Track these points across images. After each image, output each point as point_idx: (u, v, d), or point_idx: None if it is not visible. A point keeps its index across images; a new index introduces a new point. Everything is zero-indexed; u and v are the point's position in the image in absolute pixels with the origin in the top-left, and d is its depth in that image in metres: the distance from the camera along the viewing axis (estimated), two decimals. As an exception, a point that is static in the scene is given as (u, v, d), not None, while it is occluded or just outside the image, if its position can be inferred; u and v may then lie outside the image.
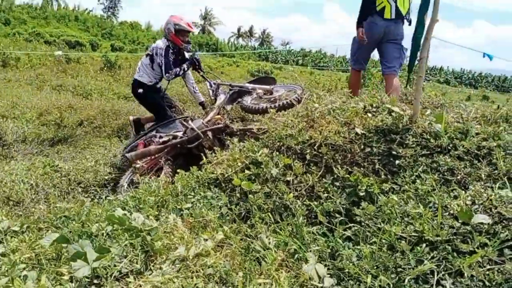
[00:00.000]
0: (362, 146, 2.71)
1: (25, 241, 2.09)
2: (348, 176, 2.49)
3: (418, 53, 2.79)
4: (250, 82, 5.10)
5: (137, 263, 1.74)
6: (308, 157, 2.72)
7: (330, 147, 2.73)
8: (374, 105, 3.01)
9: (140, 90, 5.68)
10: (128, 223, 2.06)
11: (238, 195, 2.65)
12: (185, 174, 3.04)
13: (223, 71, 23.16)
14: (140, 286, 1.65)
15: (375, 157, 2.66)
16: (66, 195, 4.45)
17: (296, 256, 2.06)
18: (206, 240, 1.95)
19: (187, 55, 5.74)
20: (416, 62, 2.83)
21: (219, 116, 4.62)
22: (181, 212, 2.49)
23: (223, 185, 2.80)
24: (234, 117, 4.68)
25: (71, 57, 17.51)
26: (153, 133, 5.19)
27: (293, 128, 2.92)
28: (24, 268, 1.69)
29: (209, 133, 4.36)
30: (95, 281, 1.62)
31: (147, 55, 5.67)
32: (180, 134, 4.70)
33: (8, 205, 4.12)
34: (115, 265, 1.68)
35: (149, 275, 1.68)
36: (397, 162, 2.60)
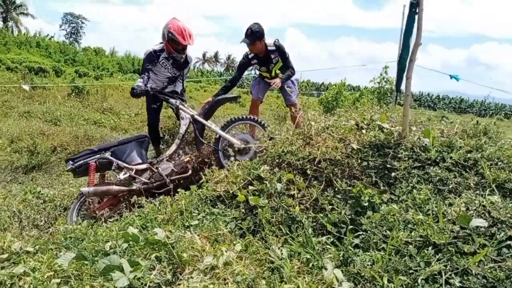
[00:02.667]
0: (359, 160, 2.88)
1: (42, 261, 2.09)
2: (350, 188, 2.64)
3: (404, 74, 3.02)
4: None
5: (166, 274, 1.79)
6: (309, 172, 2.85)
7: (329, 162, 2.88)
8: (366, 122, 3.20)
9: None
10: (143, 238, 2.12)
11: (243, 210, 2.75)
12: (186, 193, 3.11)
13: (191, 96, 23.30)
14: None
15: (371, 170, 2.83)
16: (53, 220, 4.36)
17: (310, 264, 2.16)
18: (227, 251, 2.03)
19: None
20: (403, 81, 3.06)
21: (188, 158, 4.44)
22: (189, 228, 2.55)
23: (227, 201, 2.89)
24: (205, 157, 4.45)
25: (36, 85, 17.16)
26: (107, 155, 4.38)
27: (292, 145, 3.06)
28: (58, 284, 1.71)
29: (177, 181, 4.30)
30: (130, 293, 1.66)
31: None
32: (144, 177, 4.30)
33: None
34: (147, 277, 1.73)
35: (178, 284, 1.74)
36: (392, 174, 2.78)
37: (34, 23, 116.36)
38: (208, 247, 2.06)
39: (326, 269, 1.99)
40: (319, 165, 2.87)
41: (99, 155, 4.40)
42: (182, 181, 4.37)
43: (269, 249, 2.29)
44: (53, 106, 13.71)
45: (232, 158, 3.86)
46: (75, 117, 12.70)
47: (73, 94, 16.53)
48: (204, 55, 77.43)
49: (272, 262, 2.17)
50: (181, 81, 5.42)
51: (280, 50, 5.37)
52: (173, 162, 4.46)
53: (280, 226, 2.50)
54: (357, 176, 2.82)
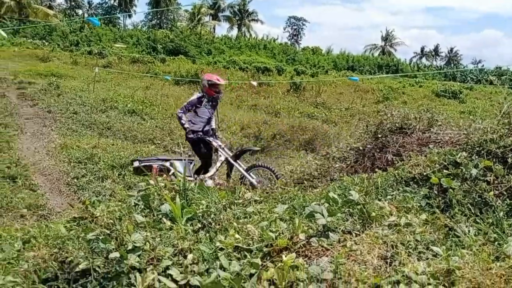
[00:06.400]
0: None
1: (265, 207, 2.79)
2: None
3: None
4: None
5: (356, 224, 2.22)
6: (510, 160, 2.82)
7: (535, 152, 2.78)
8: None
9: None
10: (342, 200, 2.59)
11: (435, 192, 2.93)
12: (383, 173, 3.44)
13: (405, 91, 22.65)
14: (355, 241, 2.12)
15: None
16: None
17: (496, 243, 2.25)
18: (411, 218, 2.31)
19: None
20: None
21: (222, 181, 5.50)
22: (381, 200, 2.90)
23: (420, 183, 3.10)
24: None
25: (262, 82, 19.72)
26: (167, 164, 5.82)
27: (494, 133, 3.04)
28: (275, 219, 2.35)
29: None
30: (326, 233, 2.16)
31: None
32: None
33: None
34: (341, 223, 2.20)
35: (366, 233, 2.14)
36: None
37: (262, 28, 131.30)
38: (395, 213, 2.39)
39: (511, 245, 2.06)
40: (523, 155, 2.80)
41: (161, 162, 5.88)
42: None
43: (456, 225, 2.45)
44: (274, 100, 15.62)
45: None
46: (292, 110, 14.21)
47: (291, 90, 18.38)
48: (422, 49, 73.28)
49: (457, 237, 2.34)
50: (214, 118, 6.86)
51: None
52: (212, 180, 5.84)
53: (470, 207, 2.60)
54: None
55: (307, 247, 2.09)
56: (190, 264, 2.08)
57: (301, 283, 1.76)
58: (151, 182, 5.54)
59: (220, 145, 6.35)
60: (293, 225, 2.31)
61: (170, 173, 5.80)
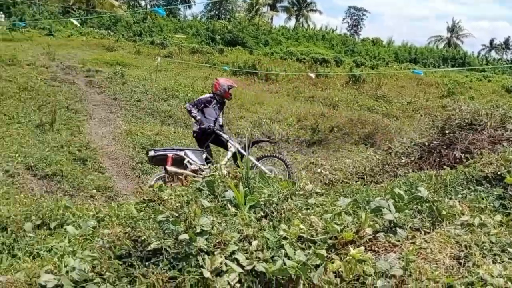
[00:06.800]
0: None
1: (327, 200, 2.78)
2: None
3: None
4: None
5: (425, 222, 2.16)
6: None
7: None
8: None
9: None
10: (408, 197, 2.51)
11: (510, 192, 2.77)
12: (452, 171, 3.30)
13: (472, 86, 21.44)
14: (425, 239, 2.05)
15: None
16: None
17: None
18: (485, 219, 2.21)
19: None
20: None
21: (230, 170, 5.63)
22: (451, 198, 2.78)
23: (493, 182, 2.95)
24: None
25: (320, 73, 19.47)
26: (182, 153, 6.21)
27: None
28: (339, 212, 2.34)
29: None
30: (394, 228, 2.12)
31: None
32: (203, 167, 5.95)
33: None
34: (409, 220, 2.15)
35: (436, 232, 2.07)
36: None
37: (320, 18, 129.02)
38: (467, 212, 2.29)
39: None
40: None
41: (175, 152, 6.23)
42: None
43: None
44: (332, 92, 15.38)
45: None
46: (351, 103, 13.93)
47: (350, 82, 17.98)
48: (491, 42, 68.73)
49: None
50: (221, 118, 7.22)
51: None
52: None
53: (550, 210, 2.44)
54: None
55: (373, 242, 2.06)
56: (255, 251, 2.12)
57: (369, 278, 1.75)
58: (168, 169, 6.02)
59: (230, 138, 6.74)
60: (358, 219, 2.29)
61: (185, 161, 6.23)
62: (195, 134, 6.87)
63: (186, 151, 6.41)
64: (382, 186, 3.34)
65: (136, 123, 9.68)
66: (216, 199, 2.86)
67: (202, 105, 6.89)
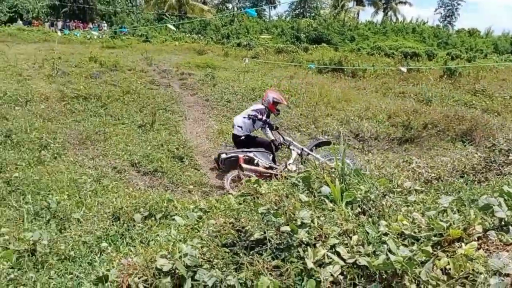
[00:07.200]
0: None
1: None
2: None
3: None
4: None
5: None
6: None
7: None
8: None
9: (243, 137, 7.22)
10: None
11: None
12: None
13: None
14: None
15: None
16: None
17: None
18: None
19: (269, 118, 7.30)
20: None
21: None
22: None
23: None
24: None
25: (411, 68, 18.56)
26: (251, 155, 6.70)
27: None
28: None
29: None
30: (506, 227, 2.01)
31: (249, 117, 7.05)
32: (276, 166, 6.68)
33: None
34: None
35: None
36: None
37: (410, 10, 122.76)
38: None
39: None
40: None
41: (245, 153, 6.70)
42: None
43: None
44: (425, 87, 14.56)
45: None
46: (446, 98, 13.09)
47: (445, 76, 16.90)
48: None
49: None
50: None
51: None
52: (295, 166, 6.43)
53: None
54: None
55: (483, 240, 1.98)
56: (356, 245, 2.15)
57: (481, 275, 1.69)
58: (243, 166, 6.53)
59: (292, 141, 7.12)
60: (464, 216, 2.20)
61: (255, 162, 6.63)
62: (238, 139, 7.14)
63: (255, 153, 6.86)
64: (487, 184, 3.14)
65: (227, 123, 10.04)
66: (312, 194, 2.92)
67: (262, 115, 7.08)
